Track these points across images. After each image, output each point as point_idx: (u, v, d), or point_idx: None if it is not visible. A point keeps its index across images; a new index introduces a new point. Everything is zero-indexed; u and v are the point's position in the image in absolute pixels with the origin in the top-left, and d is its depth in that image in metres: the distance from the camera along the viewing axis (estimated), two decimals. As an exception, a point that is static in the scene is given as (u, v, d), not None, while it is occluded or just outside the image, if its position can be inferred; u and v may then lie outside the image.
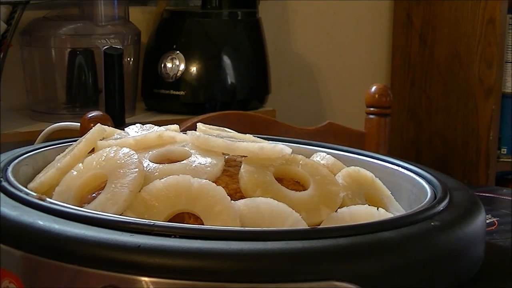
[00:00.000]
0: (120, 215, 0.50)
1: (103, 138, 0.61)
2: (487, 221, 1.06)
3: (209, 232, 0.45)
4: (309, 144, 0.72)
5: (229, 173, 0.56)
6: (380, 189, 0.63)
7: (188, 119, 1.21)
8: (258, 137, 0.66)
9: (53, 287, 0.45)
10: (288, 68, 1.94)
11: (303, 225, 0.52)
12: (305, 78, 1.98)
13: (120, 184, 0.52)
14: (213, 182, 0.53)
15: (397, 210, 0.61)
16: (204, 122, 0.70)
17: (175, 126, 0.66)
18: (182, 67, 1.52)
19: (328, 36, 1.99)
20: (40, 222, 0.46)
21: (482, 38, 1.82)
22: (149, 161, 0.56)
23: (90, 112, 1.03)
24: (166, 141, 0.60)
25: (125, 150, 0.55)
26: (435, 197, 0.56)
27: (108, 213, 0.49)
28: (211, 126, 0.67)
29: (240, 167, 0.56)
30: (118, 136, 0.61)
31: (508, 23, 1.83)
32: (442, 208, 0.53)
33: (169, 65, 1.52)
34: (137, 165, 0.53)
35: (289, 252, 0.44)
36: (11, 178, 0.55)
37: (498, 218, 1.08)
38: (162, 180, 0.52)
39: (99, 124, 0.62)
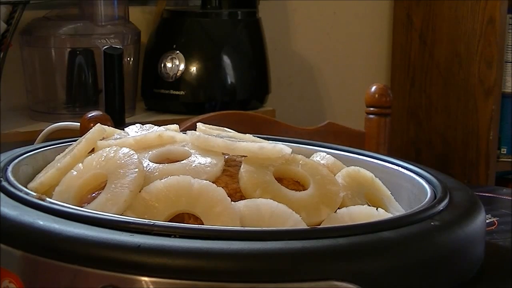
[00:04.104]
0: (120, 215, 0.50)
1: (103, 138, 0.61)
2: (487, 221, 1.06)
3: (209, 232, 0.45)
4: (309, 144, 0.72)
5: (229, 173, 0.56)
6: (380, 189, 0.62)
7: (188, 119, 1.21)
8: (258, 137, 0.66)
9: (53, 287, 0.45)
10: (288, 68, 1.93)
11: (303, 227, 0.52)
12: (305, 78, 1.98)
13: (120, 184, 0.52)
14: (213, 182, 0.53)
15: (397, 210, 0.61)
16: (204, 122, 0.70)
17: (175, 126, 0.66)
18: (182, 67, 1.52)
19: (328, 36, 1.99)
20: (40, 222, 0.46)
21: (482, 38, 1.82)
22: (149, 161, 0.56)
23: (90, 112, 1.03)
24: (166, 141, 0.59)
25: (125, 150, 0.55)
26: (435, 197, 0.56)
27: (108, 213, 0.49)
28: (211, 126, 0.67)
29: (240, 167, 0.56)
30: (118, 136, 0.61)
31: (508, 23, 1.82)
32: (442, 208, 0.53)
33: (169, 65, 1.52)
34: (137, 165, 0.53)
35: (289, 252, 0.44)
36: (11, 178, 0.55)
37: (498, 218, 1.08)
38: (162, 180, 0.52)
39: (99, 124, 0.62)
